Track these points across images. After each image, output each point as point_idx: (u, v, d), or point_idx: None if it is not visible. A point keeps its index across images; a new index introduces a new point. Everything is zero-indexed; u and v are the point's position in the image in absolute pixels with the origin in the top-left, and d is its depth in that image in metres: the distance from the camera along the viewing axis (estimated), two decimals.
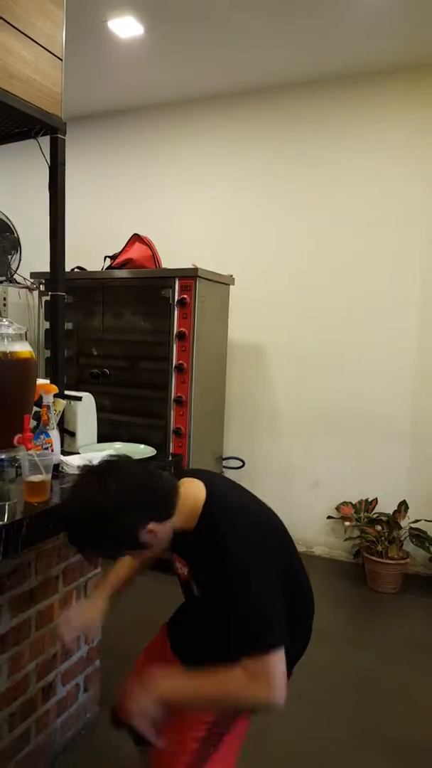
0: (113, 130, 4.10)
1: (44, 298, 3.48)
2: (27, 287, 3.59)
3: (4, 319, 1.35)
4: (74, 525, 1.07)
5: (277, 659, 1.02)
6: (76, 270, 3.49)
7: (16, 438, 1.34)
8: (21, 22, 1.63)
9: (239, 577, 1.05)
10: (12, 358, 1.31)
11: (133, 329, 3.38)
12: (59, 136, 1.79)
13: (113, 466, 1.10)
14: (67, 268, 3.23)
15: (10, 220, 3.52)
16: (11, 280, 3.56)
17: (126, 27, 2.82)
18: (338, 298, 3.45)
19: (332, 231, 3.44)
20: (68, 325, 3.34)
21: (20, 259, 3.57)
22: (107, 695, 2.03)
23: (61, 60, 1.77)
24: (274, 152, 3.59)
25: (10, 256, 3.55)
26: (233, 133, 3.70)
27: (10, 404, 1.34)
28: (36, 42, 1.68)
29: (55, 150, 1.79)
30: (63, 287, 1.87)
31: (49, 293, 1.87)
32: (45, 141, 1.83)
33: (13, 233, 3.53)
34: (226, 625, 1.08)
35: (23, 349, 1.35)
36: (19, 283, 3.60)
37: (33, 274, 3.48)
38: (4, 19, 1.58)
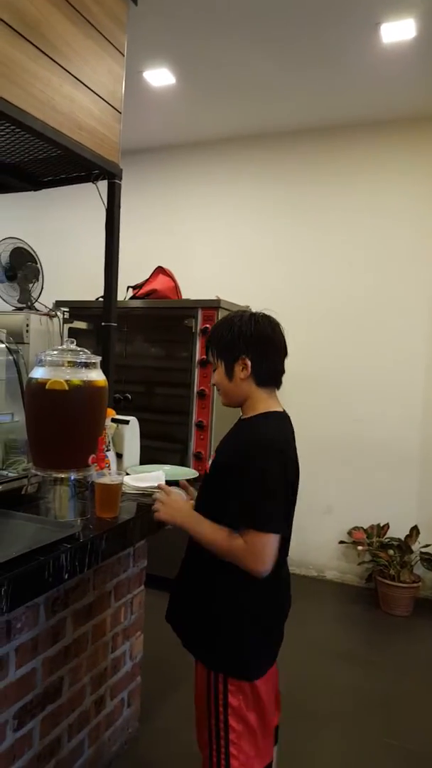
0: (134, 167, 4.30)
1: (67, 325, 3.62)
2: (47, 314, 3.71)
3: (81, 351, 1.47)
4: (216, 326, 1.39)
5: (271, 540, 1.19)
6: (100, 299, 3.63)
7: (91, 458, 1.45)
8: (90, 80, 1.80)
9: (263, 457, 1.23)
10: (90, 386, 1.43)
11: (154, 356, 3.50)
12: (116, 181, 1.94)
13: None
14: (91, 298, 3.44)
15: (34, 251, 3.66)
16: (32, 308, 3.69)
17: (159, 77, 3.05)
18: (350, 329, 3.62)
19: (344, 267, 3.64)
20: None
21: (42, 288, 3.71)
22: (146, 713, 2.09)
23: (120, 113, 1.94)
24: (289, 192, 3.80)
25: (31, 285, 3.68)
26: (251, 173, 3.92)
27: (86, 428, 1.45)
28: (101, 97, 1.85)
29: (113, 193, 1.94)
30: (115, 318, 2.00)
31: (102, 323, 2.00)
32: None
33: (36, 263, 3.67)
34: (228, 502, 1.25)
35: (99, 377, 1.47)
36: (39, 310, 3.72)
37: (58, 303, 3.62)
38: (75, 77, 1.75)
